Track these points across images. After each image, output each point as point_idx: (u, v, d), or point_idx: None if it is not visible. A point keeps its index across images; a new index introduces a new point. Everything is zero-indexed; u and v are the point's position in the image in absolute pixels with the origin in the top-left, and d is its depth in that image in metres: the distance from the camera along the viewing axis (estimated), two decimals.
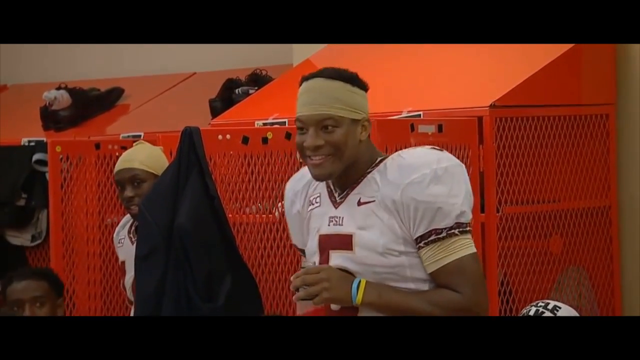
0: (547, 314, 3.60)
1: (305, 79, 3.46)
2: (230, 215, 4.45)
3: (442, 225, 3.36)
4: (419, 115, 4.62)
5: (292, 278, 3.43)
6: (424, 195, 3.34)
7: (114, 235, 5.12)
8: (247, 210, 4.57)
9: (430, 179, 3.36)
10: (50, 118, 6.32)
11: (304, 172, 3.59)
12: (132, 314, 4.69)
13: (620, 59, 5.07)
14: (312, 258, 3.53)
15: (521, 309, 3.81)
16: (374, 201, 3.40)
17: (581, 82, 5.01)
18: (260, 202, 4.56)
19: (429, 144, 4.32)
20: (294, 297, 3.46)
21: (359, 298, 3.38)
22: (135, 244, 4.64)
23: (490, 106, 4.64)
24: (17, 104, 6.89)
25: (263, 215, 4.54)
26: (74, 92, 6.38)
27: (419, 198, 3.34)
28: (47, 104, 6.34)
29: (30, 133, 6.21)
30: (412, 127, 4.50)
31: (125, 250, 4.86)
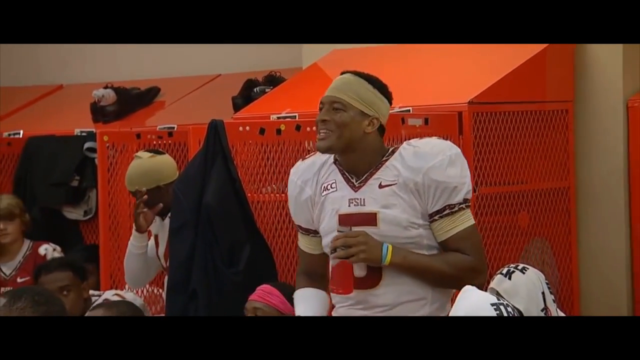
0: (517, 272, 3.60)
1: (342, 73, 3.54)
2: (249, 195, 4.44)
3: (455, 201, 3.43)
4: (409, 110, 4.63)
5: (332, 239, 3.44)
6: (444, 176, 3.42)
7: None
8: (264, 190, 4.56)
9: (447, 163, 3.43)
10: (99, 112, 6.31)
11: (310, 161, 3.60)
12: (166, 280, 4.65)
13: (577, 63, 5.06)
14: (328, 236, 3.50)
15: (493, 274, 3.81)
16: (395, 184, 3.44)
17: (545, 83, 5.01)
18: (274, 184, 4.55)
19: (417, 136, 4.37)
20: (332, 255, 3.46)
21: (387, 259, 3.40)
22: (164, 220, 4.64)
23: (469, 103, 4.64)
24: (71, 100, 6.88)
25: (277, 195, 4.53)
26: (118, 91, 6.36)
27: (439, 179, 3.41)
28: (96, 101, 6.33)
29: (82, 125, 6.20)
30: (403, 121, 4.52)
31: (156, 225, 4.84)
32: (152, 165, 4.75)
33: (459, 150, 3.49)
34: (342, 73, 3.54)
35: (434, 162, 3.41)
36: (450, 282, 3.45)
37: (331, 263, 3.51)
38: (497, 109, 4.76)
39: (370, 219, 3.43)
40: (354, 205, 3.46)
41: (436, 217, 3.42)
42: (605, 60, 5.00)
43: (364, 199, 3.45)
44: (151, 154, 4.82)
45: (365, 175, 3.47)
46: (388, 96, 3.53)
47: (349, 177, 3.50)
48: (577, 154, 5.06)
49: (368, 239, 3.39)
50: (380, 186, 3.44)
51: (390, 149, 3.49)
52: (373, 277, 3.43)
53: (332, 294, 3.57)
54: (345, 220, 3.46)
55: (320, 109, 3.47)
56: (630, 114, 4.92)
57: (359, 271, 3.45)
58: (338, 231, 3.45)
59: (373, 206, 3.43)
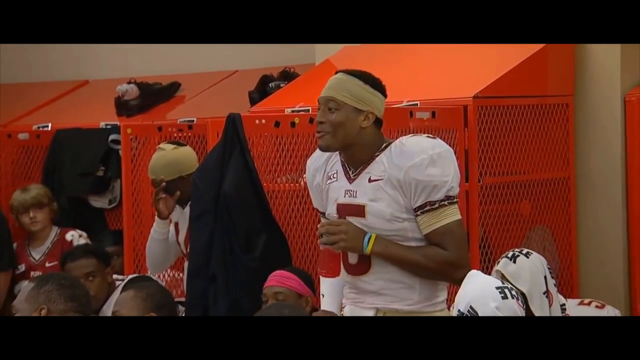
0: (522, 257, 3.58)
1: (335, 72, 3.52)
2: (265, 184, 4.44)
3: (435, 198, 3.40)
4: (417, 104, 4.62)
5: (318, 227, 3.49)
6: (423, 175, 3.38)
7: None
8: (279, 180, 4.56)
9: (427, 163, 3.40)
10: (123, 106, 6.30)
11: (322, 152, 3.60)
12: (186, 265, 4.62)
13: (577, 59, 5.04)
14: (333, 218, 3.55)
15: (497, 259, 3.78)
16: (382, 179, 3.44)
17: (546, 78, 5.00)
18: (288, 174, 4.55)
19: (425, 128, 4.34)
20: (318, 241, 3.48)
21: (368, 248, 3.42)
22: (184, 209, 4.62)
23: (474, 97, 4.63)
24: (96, 95, 6.89)
25: (291, 184, 4.53)
26: (141, 86, 6.36)
27: (418, 178, 3.38)
28: (120, 95, 6.32)
29: (106, 118, 6.19)
30: (411, 114, 4.52)
31: (177, 213, 4.83)
32: (174, 157, 4.75)
33: (445, 149, 3.43)
34: (336, 73, 3.53)
35: (414, 161, 3.39)
36: (428, 274, 3.44)
37: (320, 247, 3.53)
38: (501, 102, 4.75)
39: (360, 210, 3.44)
40: (348, 196, 3.48)
41: (419, 213, 3.41)
42: (604, 56, 4.98)
43: (356, 191, 3.47)
44: (174, 145, 4.83)
45: (359, 169, 3.48)
46: (381, 90, 3.50)
47: (347, 169, 3.51)
48: (577, 145, 5.04)
49: (349, 229, 3.42)
50: (370, 180, 3.45)
51: (385, 144, 3.48)
52: (363, 265, 3.46)
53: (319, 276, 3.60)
54: (342, 209, 3.49)
55: (319, 108, 3.48)
56: (627, 108, 4.90)
57: (351, 258, 3.48)
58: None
59: (362, 198, 3.45)
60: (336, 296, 3.58)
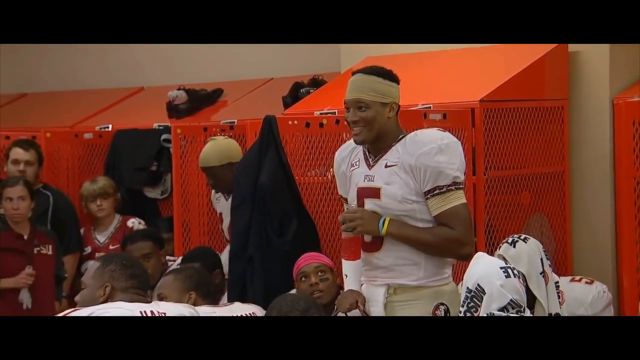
0: (520, 242, 3.55)
1: (353, 73, 3.51)
2: (296, 177, 4.41)
3: (443, 183, 3.38)
4: (430, 107, 4.61)
5: (339, 217, 3.49)
6: (432, 162, 3.37)
7: (211, 196, 5.16)
8: (308, 173, 4.54)
9: (436, 151, 3.38)
10: (173, 110, 6.32)
11: (348, 144, 3.63)
12: (228, 249, 4.63)
13: (571, 68, 5.00)
14: (353, 203, 3.55)
15: (500, 243, 3.76)
16: (396, 165, 3.43)
17: (544, 84, 4.97)
18: (317, 168, 4.53)
19: (436, 127, 4.29)
20: (341, 229, 3.49)
21: (384, 230, 3.41)
22: (228, 200, 4.63)
23: (480, 101, 4.61)
24: (151, 100, 6.89)
25: (319, 177, 4.50)
26: (189, 92, 6.37)
27: (427, 163, 3.37)
28: (171, 100, 6.33)
29: (159, 120, 6.20)
30: (425, 115, 4.51)
31: (222, 205, 4.86)
32: (226, 145, 4.81)
33: (452, 141, 3.42)
34: (353, 73, 3.50)
35: (424, 149, 3.38)
36: (437, 251, 3.42)
37: (342, 235, 3.52)
38: (504, 106, 4.73)
39: (376, 192, 3.44)
40: (367, 180, 3.48)
41: (429, 196, 3.39)
42: (595, 65, 4.95)
43: (374, 176, 3.47)
44: (225, 137, 4.89)
45: (378, 157, 3.48)
46: (395, 79, 3.49)
47: (368, 157, 3.52)
48: (571, 143, 5.01)
49: (364, 215, 3.42)
50: (386, 166, 3.45)
51: (401, 136, 3.47)
52: (376, 243, 3.46)
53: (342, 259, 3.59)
54: (361, 192, 3.49)
55: (347, 109, 3.46)
56: (615, 110, 4.85)
57: (366, 237, 3.47)
58: (346, 208, 3.49)
59: (379, 182, 3.45)
60: (357, 276, 3.58)
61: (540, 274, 3.58)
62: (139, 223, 5.60)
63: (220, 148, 4.80)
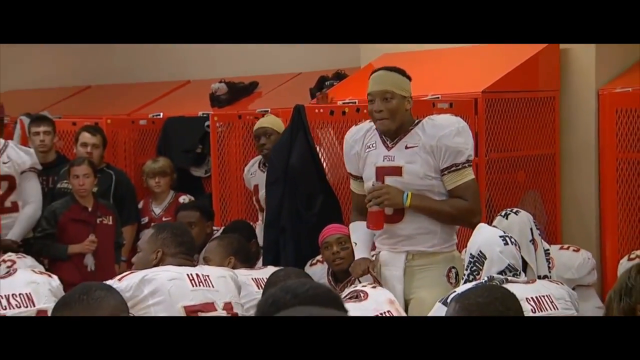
0: (512, 214, 3.54)
1: (375, 70, 3.52)
2: (321, 158, 4.41)
3: (459, 161, 3.43)
4: (438, 97, 4.63)
5: (366, 194, 3.47)
6: (452, 142, 3.41)
7: (245, 171, 5.18)
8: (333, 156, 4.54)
9: (455, 133, 3.42)
10: (215, 100, 6.32)
11: (359, 127, 3.64)
12: (263, 217, 4.66)
13: (562, 63, 5.01)
14: (368, 182, 3.54)
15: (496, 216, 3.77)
16: (417, 146, 3.44)
17: (538, 77, 4.98)
18: (340, 151, 4.53)
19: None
20: (368, 205, 3.46)
21: (408, 202, 3.42)
22: (265, 173, 4.66)
23: (482, 91, 4.65)
24: (196, 91, 6.88)
25: (342, 159, 4.49)
26: (229, 84, 6.37)
27: (448, 144, 3.41)
28: (213, 92, 6.35)
29: (203, 109, 6.20)
30: (433, 104, 4.50)
31: (258, 177, 4.88)
32: (280, 121, 4.83)
33: (465, 124, 3.49)
34: (375, 71, 3.52)
35: (445, 132, 3.41)
36: (452, 220, 3.48)
37: (368, 209, 3.52)
38: (503, 96, 4.75)
39: (397, 170, 3.46)
40: (387, 160, 3.49)
41: (445, 172, 3.43)
42: (583, 61, 4.94)
43: (394, 156, 3.48)
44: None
45: (396, 139, 3.50)
46: (409, 77, 3.53)
47: (385, 140, 3.53)
48: (561, 129, 5.02)
49: (390, 190, 3.43)
50: (406, 147, 3.46)
51: (416, 121, 3.50)
52: (398, 215, 3.48)
53: (367, 229, 3.59)
54: (380, 171, 3.50)
55: (371, 100, 3.47)
56: (600, 100, 4.83)
57: (388, 210, 3.49)
58: (372, 184, 3.49)
59: (400, 161, 3.46)
60: (366, 243, 3.61)
61: (530, 241, 3.58)
62: (190, 199, 5.65)
63: (274, 118, 4.84)
